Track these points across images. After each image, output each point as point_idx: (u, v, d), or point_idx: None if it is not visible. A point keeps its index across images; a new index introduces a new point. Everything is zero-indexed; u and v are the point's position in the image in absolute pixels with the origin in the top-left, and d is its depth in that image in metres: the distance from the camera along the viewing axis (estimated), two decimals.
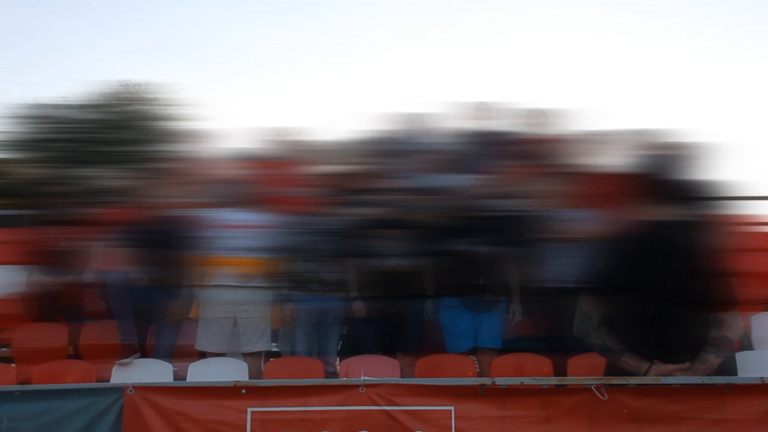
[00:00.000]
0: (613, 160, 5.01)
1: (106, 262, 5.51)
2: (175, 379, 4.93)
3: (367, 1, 38.97)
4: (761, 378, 3.60)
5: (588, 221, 4.75)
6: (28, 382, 4.79)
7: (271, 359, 5.46)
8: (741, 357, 4.80)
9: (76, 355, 5.53)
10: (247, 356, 5.28)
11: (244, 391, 3.84)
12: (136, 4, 35.56)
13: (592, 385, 3.55)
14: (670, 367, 3.41)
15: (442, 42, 36.63)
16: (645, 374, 3.41)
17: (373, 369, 4.71)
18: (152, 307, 5.31)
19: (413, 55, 35.92)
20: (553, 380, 4.01)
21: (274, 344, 5.68)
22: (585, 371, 4.17)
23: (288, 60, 39.36)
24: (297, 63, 39.10)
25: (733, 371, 4.62)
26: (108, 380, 4.97)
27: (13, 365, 5.45)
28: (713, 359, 3.46)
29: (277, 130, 6.07)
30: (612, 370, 3.58)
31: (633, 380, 3.48)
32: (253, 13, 36.79)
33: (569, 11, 36.39)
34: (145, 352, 5.32)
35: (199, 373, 4.99)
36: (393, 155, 5.74)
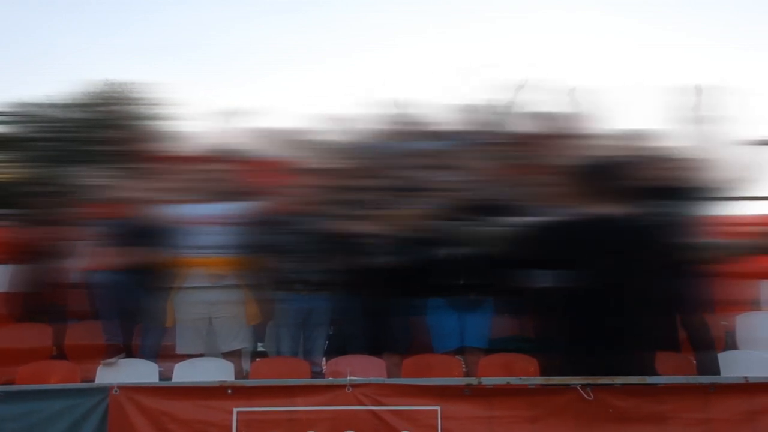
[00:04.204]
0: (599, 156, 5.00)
1: (91, 261, 5.47)
2: (160, 380, 4.90)
3: (367, 1, 38.96)
4: (745, 377, 3.63)
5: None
6: (12, 383, 4.74)
7: (257, 359, 5.44)
8: (726, 357, 4.84)
9: (61, 356, 5.48)
10: (226, 356, 5.26)
11: (229, 391, 3.83)
12: (136, 4, 35.41)
13: (578, 385, 3.56)
14: None
15: (442, 42, 36.59)
16: None
17: (359, 369, 4.69)
18: (137, 307, 5.28)
19: (413, 55, 35.89)
20: (539, 380, 4.02)
21: (260, 344, 5.66)
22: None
23: (288, 60, 39.27)
24: (297, 63, 39.02)
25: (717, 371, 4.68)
26: (93, 381, 4.94)
27: None
28: None
29: (267, 128, 6.05)
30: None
31: (618, 380, 3.51)
32: (253, 13, 36.78)
33: (569, 11, 36.50)
34: (130, 353, 5.29)
35: (185, 373, 4.95)
36: (384, 154, 5.72)
